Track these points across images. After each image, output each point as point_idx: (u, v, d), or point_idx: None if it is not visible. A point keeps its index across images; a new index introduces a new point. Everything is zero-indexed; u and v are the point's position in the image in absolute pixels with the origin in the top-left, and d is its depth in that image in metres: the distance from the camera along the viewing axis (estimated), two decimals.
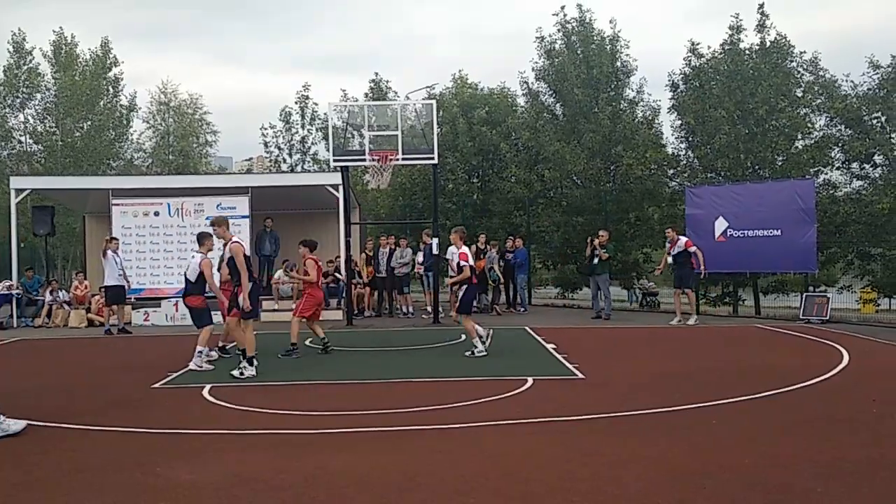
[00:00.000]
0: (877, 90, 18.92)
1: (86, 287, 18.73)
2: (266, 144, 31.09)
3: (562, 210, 23.55)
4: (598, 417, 7.35)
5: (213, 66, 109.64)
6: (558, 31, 23.90)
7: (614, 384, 9.28)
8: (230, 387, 9.32)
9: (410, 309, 18.74)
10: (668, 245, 16.71)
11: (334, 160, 17.16)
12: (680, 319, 16.18)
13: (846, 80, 19.72)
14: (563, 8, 23.77)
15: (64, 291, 18.76)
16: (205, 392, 8.93)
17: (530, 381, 9.18)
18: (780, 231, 16.91)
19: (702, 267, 16.27)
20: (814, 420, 7.16)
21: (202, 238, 10.95)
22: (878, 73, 18.92)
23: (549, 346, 12.34)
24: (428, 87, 29.87)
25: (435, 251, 17.16)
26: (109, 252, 15.73)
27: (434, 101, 18.40)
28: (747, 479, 5.38)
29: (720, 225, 17.62)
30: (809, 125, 20.36)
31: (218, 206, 18.57)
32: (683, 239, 16.42)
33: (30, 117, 32.46)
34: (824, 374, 9.46)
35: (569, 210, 23.18)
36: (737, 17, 20.89)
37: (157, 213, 18.67)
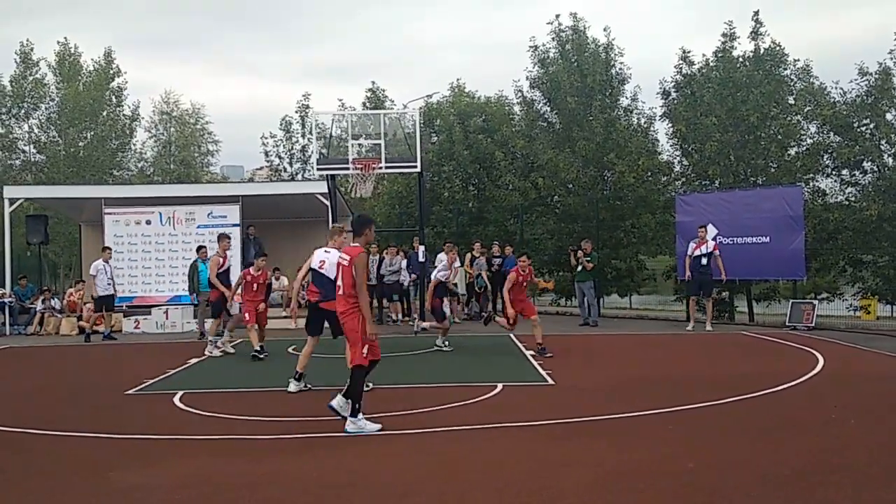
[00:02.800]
0: (865, 97, 18.89)
1: (80, 296, 18.90)
2: (266, 154, 31.27)
3: (556, 218, 23.59)
4: (556, 423, 7.40)
5: (223, 75, 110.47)
6: (552, 39, 23.98)
7: (582, 390, 9.33)
8: (201, 394, 9.42)
9: (400, 317, 18.78)
10: (692, 246, 16.34)
11: (318, 168, 17.33)
12: (693, 327, 16.13)
13: (835, 88, 19.72)
14: (557, 16, 23.91)
15: (56, 299, 18.91)
16: (176, 399, 9.02)
17: (500, 386, 9.24)
18: (768, 238, 16.89)
19: (722, 273, 15.99)
20: (769, 425, 7.19)
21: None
22: (866, 80, 18.88)
23: (529, 353, 12.38)
24: (426, 96, 29.96)
25: (421, 259, 17.23)
26: (101, 262, 16.24)
27: (418, 111, 18.53)
28: (684, 483, 5.45)
29: (710, 232, 17.59)
30: (802, 132, 20.34)
31: (209, 214, 18.74)
32: (713, 241, 16.29)
33: (34, 127, 32.83)
34: (794, 380, 9.47)
35: (563, 217, 23.22)
36: (730, 25, 20.95)
37: (148, 222, 18.84)
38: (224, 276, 13.38)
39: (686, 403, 8.13)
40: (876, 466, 5.77)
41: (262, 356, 12.14)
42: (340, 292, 7.41)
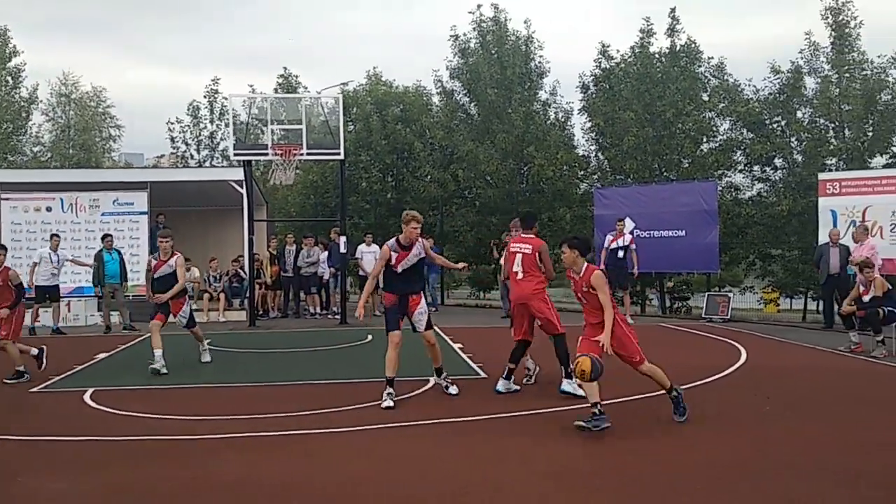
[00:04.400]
0: (777, 95, 19.46)
1: None
2: (173, 140, 30.02)
3: (475, 210, 23.51)
4: (494, 418, 7.20)
5: (125, 60, 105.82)
6: (473, 29, 23.88)
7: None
8: (114, 391, 8.82)
9: (318, 310, 18.27)
10: (609, 238, 16.31)
11: (235, 154, 16.57)
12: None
13: (749, 85, 20.25)
14: (479, 7, 23.76)
15: None
16: (86, 397, 8.42)
17: (432, 381, 8.97)
18: (684, 232, 17.21)
19: (634, 268, 15.96)
20: (706, 417, 7.16)
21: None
22: (778, 79, 19.45)
23: (456, 346, 12.16)
24: (342, 84, 29.35)
25: (343, 250, 16.78)
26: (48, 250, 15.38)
27: (341, 96, 18.03)
28: (635, 480, 5.29)
29: (628, 225, 17.77)
30: (714, 129, 20.84)
31: (114, 201, 17.77)
32: (629, 235, 16.37)
33: None
34: (721, 372, 9.57)
35: (482, 210, 23.16)
36: (647, 21, 21.25)
37: (49, 209, 17.75)
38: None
39: (619, 396, 8.05)
40: (813, 460, 5.76)
41: (11, 381, 9.39)
42: (520, 277, 8.26)
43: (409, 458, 5.93)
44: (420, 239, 8.06)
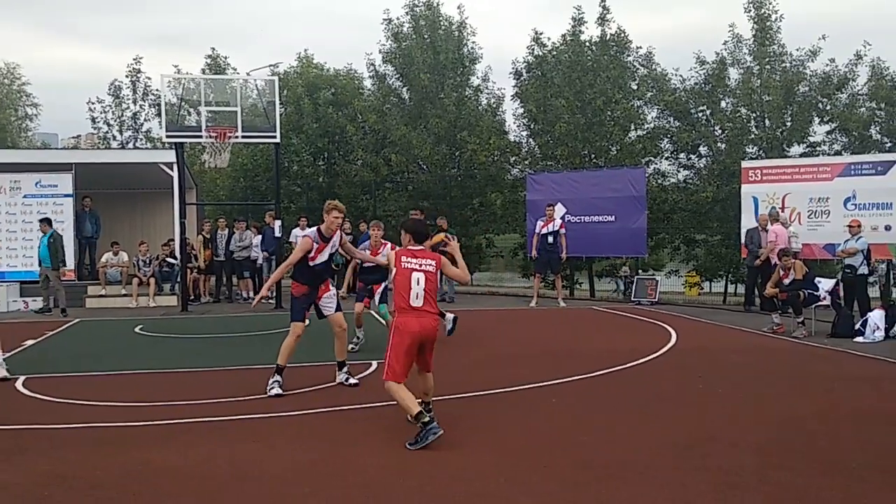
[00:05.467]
0: (703, 85, 20.05)
1: None
2: (94, 120, 28.99)
3: (408, 195, 23.54)
4: (436, 400, 7.27)
5: (40, 37, 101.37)
6: (406, 13, 23.85)
7: (454, 366, 9.26)
8: (48, 378, 8.62)
9: (251, 294, 18.05)
10: (540, 224, 16.58)
11: (167, 136, 16.14)
12: (537, 303, 16.39)
13: (675, 75, 20.78)
14: None
15: None
16: (18, 384, 8.21)
17: (374, 364, 9.03)
18: (614, 217, 17.61)
19: (563, 252, 16.35)
20: (645, 398, 7.41)
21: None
22: (704, 69, 20.03)
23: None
24: (271, 65, 28.92)
25: (277, 234, 16.62)
26: None
27: (276, 78, 17.77)
28: (583, 459, 5.47)
29: (559, 210, 18.08)
30: (642, 117, 21.34)
31: (37, 183, 17.16)
32: (559, 220, 16.62)
33: None
34: (654, 353, 9.89)
35: (415, 195, 23.20)
36: (579, 9, 21.58)
37: None
38: None
39: (563, 377, 8.27)
40: (752, 434, 6.05)
41: None
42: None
43: (350, 441, 5.96)
44: (339, 231, 7.80)
